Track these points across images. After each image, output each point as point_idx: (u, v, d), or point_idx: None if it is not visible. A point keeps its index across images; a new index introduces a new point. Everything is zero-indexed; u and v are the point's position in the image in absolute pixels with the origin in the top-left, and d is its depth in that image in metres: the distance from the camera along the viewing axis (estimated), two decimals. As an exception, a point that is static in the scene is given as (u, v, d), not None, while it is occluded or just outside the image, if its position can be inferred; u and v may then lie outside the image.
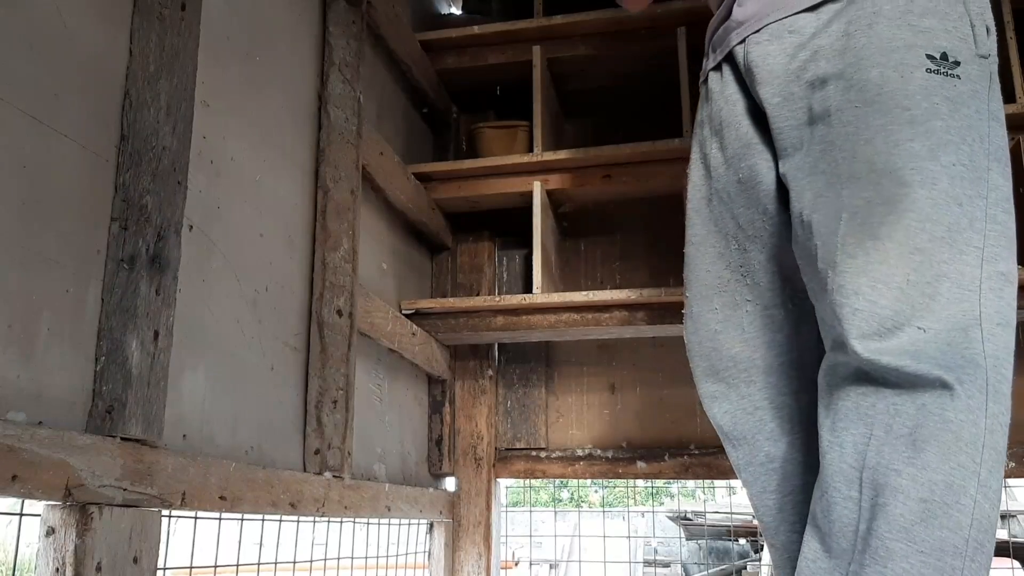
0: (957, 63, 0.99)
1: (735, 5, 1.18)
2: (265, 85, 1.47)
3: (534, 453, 2.30)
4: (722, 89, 1.20)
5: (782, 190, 1.13)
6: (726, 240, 1.20)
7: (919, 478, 0.89)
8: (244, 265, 1.36)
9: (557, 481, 2.62)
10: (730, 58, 1.19)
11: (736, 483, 4.37)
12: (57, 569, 0.93)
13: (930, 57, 0.99)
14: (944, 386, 0.90)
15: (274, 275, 1.45)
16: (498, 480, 2.32)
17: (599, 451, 2.26)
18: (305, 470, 1.48)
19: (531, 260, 2.01)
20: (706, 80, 1.26)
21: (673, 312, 1.90)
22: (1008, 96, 1.75)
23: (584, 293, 1.95)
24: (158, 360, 1.08)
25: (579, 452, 2.27)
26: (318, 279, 1.58)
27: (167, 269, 1.11)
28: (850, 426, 0.96)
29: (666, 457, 2.20)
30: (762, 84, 1.11)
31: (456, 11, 2.67)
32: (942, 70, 0.99)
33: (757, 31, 1.13)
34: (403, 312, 2.01)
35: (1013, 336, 0.96)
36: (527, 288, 2.27)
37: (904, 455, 0.90)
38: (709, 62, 1.26)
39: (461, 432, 2.30)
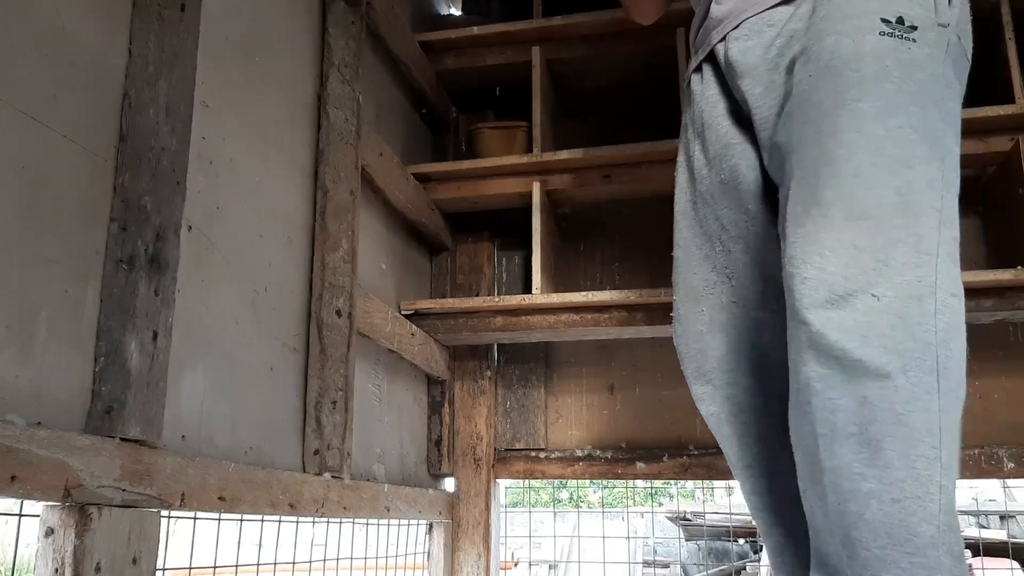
0: (914, 27, 0.97)
1: (712, 3, 1.18)
2: (264, 86, 1.47)
3: (533, 453, 2.30)
4: (703, 91, 1.21)
5: (765, 189, 1.14)
6: (711, 242, 1.20)
7: (885, 479, 0.87)
8: (243, 266, 1.36)
9: (556, 482, 2.62)
10: (711, 57, 1.19)
11: (735, 483, 4.35)
12: (56, 570, 0.93)
13: (884, 21, 0.97)
14: (886, 376, 0.88)
15: (273, 276, 1.45)
16: (497, 481, 2.31)
17: (598, 452, 2.26)
18: (304, 471, 1.48)
19: (530, 261, 2.01)
20: (689, 83, 1.27)
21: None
22: (1007, 97, 1.75)
23: (583, 294, 1.95)
24: (157, 361, 1.08)
25: (578, 453, 2.27)
26: (317, 280, 1.58)
27: (166, 269, 1.11)
28: (799, 423, 0.95)
29: (665, 458, 2.19)
30: (743, 77, 1.11)
31: (455, 12, 2.67)
32: (896, 33, 0.97)
33: (736, 27, 1.13)
34: (402, 313, 2.01)
35: (962, 307, 0.93)
36: (526, 289, 2.27)
37: (862, 456, 0.88)
38: (691, 64, 1.27)
39: (460, 432, 2.30)
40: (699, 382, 1.23)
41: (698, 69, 1.24)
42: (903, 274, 0.90)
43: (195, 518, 1.26)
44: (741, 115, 1.15)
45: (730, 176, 1.15)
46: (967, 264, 2.00)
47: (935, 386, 0.89)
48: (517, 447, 2.32)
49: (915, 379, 0.89)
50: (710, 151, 1.19)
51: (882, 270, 0.89)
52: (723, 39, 1.15)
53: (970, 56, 1.07)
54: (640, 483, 3.03)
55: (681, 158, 1.27)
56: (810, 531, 0.98)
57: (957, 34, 1.02)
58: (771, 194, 1.14)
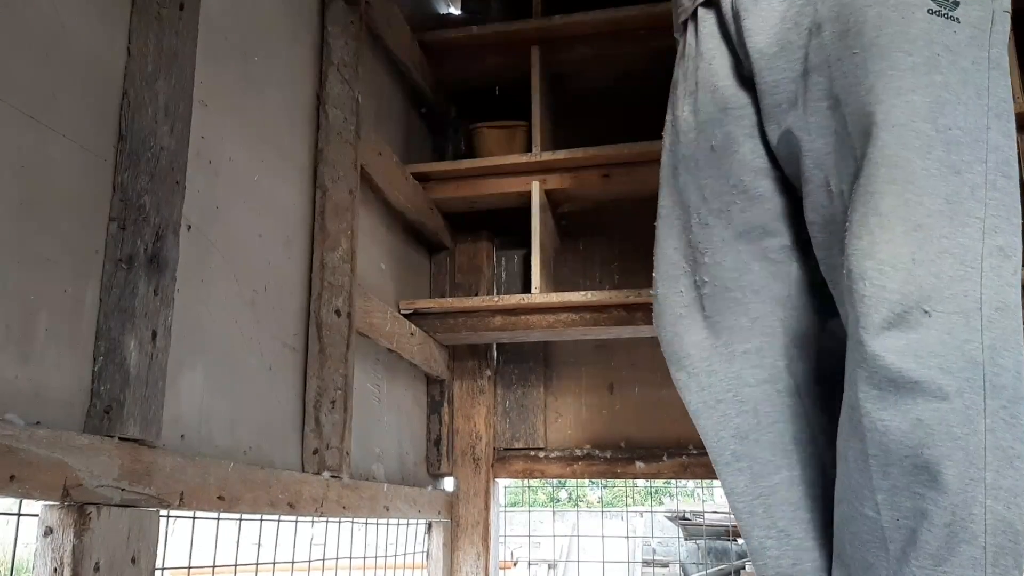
0: (956, 3, 0.90)
1: None
2: (263, 85, 1.47)
3: (532, 453, 2.30)
4: (698, 44, 1.08)
5: (763, 160, 1.04)
6: (688, 213, 1.09)
7: (941, 502, 0.84)
8: (242, 265, 1.36)
9: (555, 481, 2.63)
10: (711, 2, 1.07)
11: (735, 483, 4.33)
12: (55, 569, 0.93)
13: None
14: (943, 397, 0.85)
15: (272, 275, 1.45)
16: (496, 480, 2.32)
17: (597, 451, 2.26)
18: (303, 470, 1.48)
19: (530, 260, 2.01)
20: (682, 31, 1.14)
21: (671, 312, 1.90)
22: (1006, 96, 1.75)
23: (582, 293, 1.95)
24: (156, 360, 1.08)
25: (577, 452, 2.27)
26: (316, 279, 1.58)
27: (165, 269, 1.11)
28: (849, 439, 0.92)
29: (664, 457, 2.20)
30: (754, 32, 1.00)
31: (455, 11, 2.67)
32: (943, 11, 0.89)
33: None
34: (401, 312, 2.01)
35: (1014, 318, 0.89)
36: (525, 288, 2.27)
37: (921, 479, 0.85)
38: (683, 8, 1.13)
39: (459, 432, 2.30)
40: (676, 368, 1.13)
41: (693, 15, 1.10)
42: (951, 287, 0.86)
43: (194, 517, 1.26)
44: (742, 73, 1.04)
45: (723, 142, 1.05)
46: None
47: (981, 405, 0.85)
48: (516, 447, 2.33)
49: (968, 401, 0.85)
50: (701, 113, 1.07)
51: (934, 283, 0.85)
52: None
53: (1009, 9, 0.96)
54: (640, 482, 3.03)
55: (668, 119, 1.15)
56: (842, 542, 0.95)
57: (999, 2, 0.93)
58: (769, 166, 1.05)
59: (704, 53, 1.07)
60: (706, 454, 2.13)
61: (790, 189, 1.07)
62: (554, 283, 2.14)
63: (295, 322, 1.52)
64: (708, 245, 1.08)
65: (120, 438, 1.01)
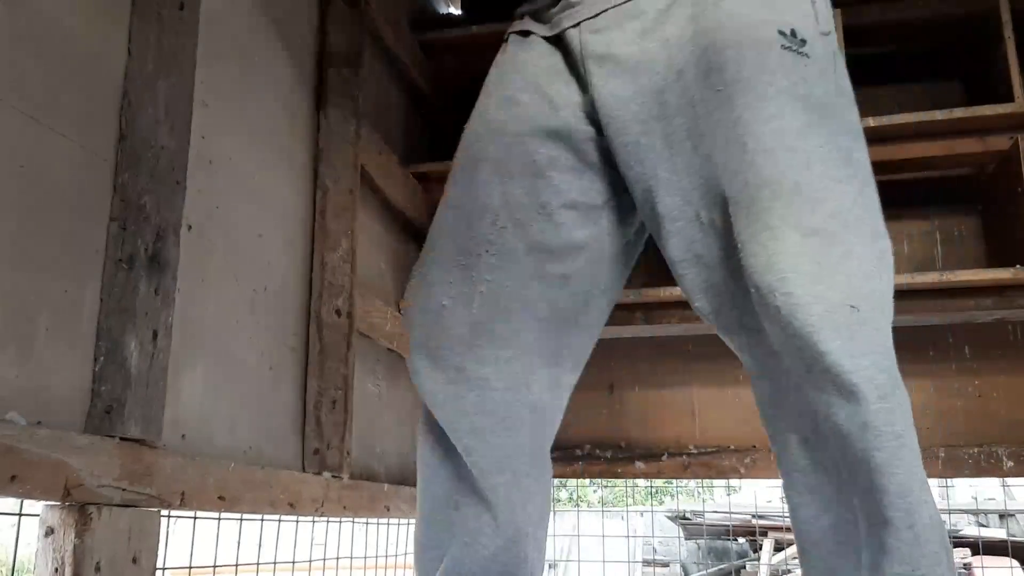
0: (804, 41, 0.95)
1: None
2: (264, 85, 1.47)
3: (533, 453, 2.30)
4: (535, 67, 1.09)
5: (579, 194, 1.06)
6: (483, 211, 1.07)
7: (900, 506, 0.85)
8: (243, 265, 1.36)
9: (556, 481, 2.62)
10: (558, 40, 1.08)
11: (736, 482, 4.36)
12: (56, 569, 0.93)
13: (782, 33, 0.94)
14: (883, 397, 0.85)
15: (273, 275, 1.45)
16: (497, 480, 2.31)
17: (598, 451, 2.26)
18: (304, 470, 1.48)
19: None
20: (508, 41, 1.15)
21: (672, 311, 1.90)
22: (1006, 95, 1.75)
23: (583, 293, 1.95)
24: (157, 360, 1.08)
25: (578, 452, 2.27)
26: (317, 279, 1.58)
27: (166, 269, 1.11)
28: (816, 450, 0.94)
29: (664, 457, 2.20)
30: (609, 76, 1.02)
31: (455, 11, 2.67)
32: (794, 48, 0.94)
33: (594, 16, 1.04)
34: (402, 312, 2.00)
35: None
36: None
37: (881, 483, 0.85)
38: (515, 26, 1.14)
39: (460, 432, 2.30)
40: (422, 355, 1.11)
41: (525, 34, 1.12)
42: (864, 285, 0.88)
43: (195, 517, 1.26)
44: (584, 110, 1.04)
45: (542, 165, 1.05)
46: (966, 263, 2.00)
47: (904, 398, 0.87)
48: (517, 446, 2.33)
49: (901, 397, 0.87)
50: (521, 126, 1.06)
51: (848, 281, 0.87)
52: (576, 25, 1.05)
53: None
54: (641, 482, 3.03)
55: (478, 113, 1.15)
56: (821, 554, 0.96)
57: (834, 37, 1.01)
58: (580, 200, 1.06)
59: (539, 73, 1.08)
60: (707, 453, 2.14)
61: (590, 224, 1.08)
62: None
63: (295, 322, 1.52)
64: (497, 248, 1.06)
65: (121, 438, 1.01)
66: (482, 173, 1.08)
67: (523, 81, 1.10)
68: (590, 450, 2.27)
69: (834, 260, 0.88)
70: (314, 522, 1.59)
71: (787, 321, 0.87)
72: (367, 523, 1.77)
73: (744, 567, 4.53)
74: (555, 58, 1.09)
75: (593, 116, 1.05)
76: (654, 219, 1.03)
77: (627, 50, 1.02)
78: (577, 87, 1.06)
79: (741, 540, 4.61)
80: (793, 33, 0.95)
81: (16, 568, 1.03)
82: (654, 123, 1.00)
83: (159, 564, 1.08)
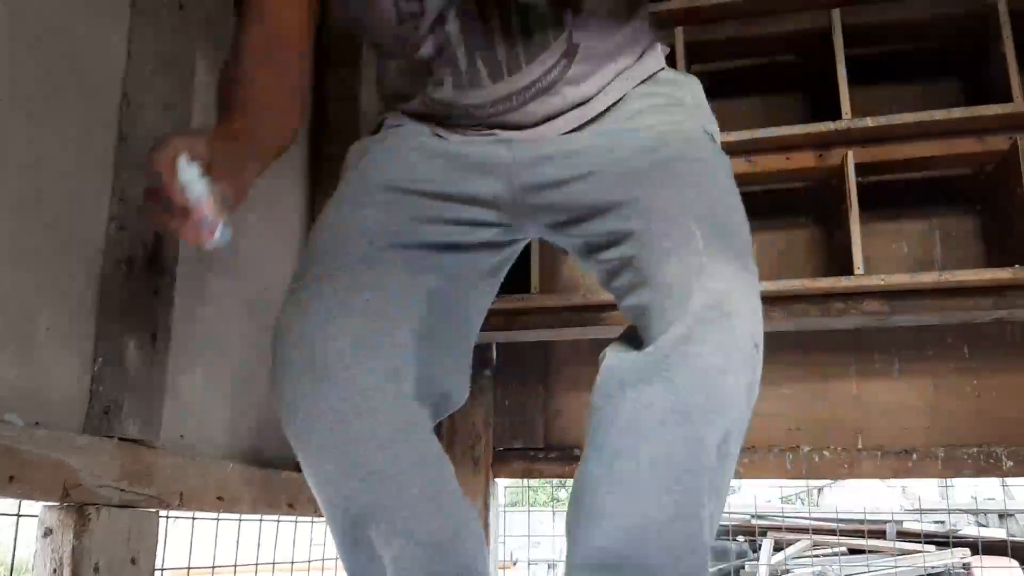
0: (714, 140, 1.08)
1: (451, 82, 1.06)
2: (263, 85, 1.47)
3: (532, 453, 2.30)
4: (421, 146, 1.12)
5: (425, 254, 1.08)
6: (369, 238, 1.06)
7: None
8: (242, 266, 1.36)
9: (556, 481, 2.63)
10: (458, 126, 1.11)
11: (735, 482, 4.36)
12: (55, 570, 0.93)
13: (707, 133, 1.06)
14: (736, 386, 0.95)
15: (272, 275, 1.45)
16: (496, 480, 2.31)
17: (597, 451, 2.26)
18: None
19: (528, 260, 2.01)
20: (397, 114, 1.17)
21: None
22: (1005, 95, 1.75)
23: (581, 293, 1.95)
24: (156, 360, 1.08)
25: (577, 452, 2.27)
26: (316, 279, 1.57)
27: (165, 270, 1.11)
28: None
29: (664, 457, 2.19)
30: (533, 192, 1.07)
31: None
32: (714, 143, 1.07)
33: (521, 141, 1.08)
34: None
35: None
36: (524, 288, 2.27)
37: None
38: (389, 122, 1.18)
39: (458, 432, 2.30)
40: (313, 377, 1.00)
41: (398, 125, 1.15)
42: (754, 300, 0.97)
43: (194, 518, 1.26)
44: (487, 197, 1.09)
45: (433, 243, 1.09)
46: (965, 263, 2.00)
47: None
48: (516, 446, 2.32)
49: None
50: (407, 213, 1.08)
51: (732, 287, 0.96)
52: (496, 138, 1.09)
53: None
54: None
55: (362, 163, 1.17)
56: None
57: None
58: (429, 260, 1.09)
59: (448, 173, 1.09)
60: (706, 454, 2.14)
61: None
62: (553, 283, 2.14)
63: (295, 322, 1.52)
64: (381, 273, 1.05)
65: (120, 438, 1.01)
66: (363, 210, 1.09)
67: (410, 164, 1.13)
68: (589, 450, 2.26)
69: (739, 268, 0.97)
70: (313, 522, 1.59)
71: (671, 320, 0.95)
72: (366, 523, 1.77)
73: (743, 567, 4.53)
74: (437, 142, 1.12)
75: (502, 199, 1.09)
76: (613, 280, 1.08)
77: (553, 173, 1.06)
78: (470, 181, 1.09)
79: (741, 539, 4.62)
80: (712, 137, 1.10)
81: (15, 569, 1.03)
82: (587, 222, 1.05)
83: (158, 564, 1.08)
